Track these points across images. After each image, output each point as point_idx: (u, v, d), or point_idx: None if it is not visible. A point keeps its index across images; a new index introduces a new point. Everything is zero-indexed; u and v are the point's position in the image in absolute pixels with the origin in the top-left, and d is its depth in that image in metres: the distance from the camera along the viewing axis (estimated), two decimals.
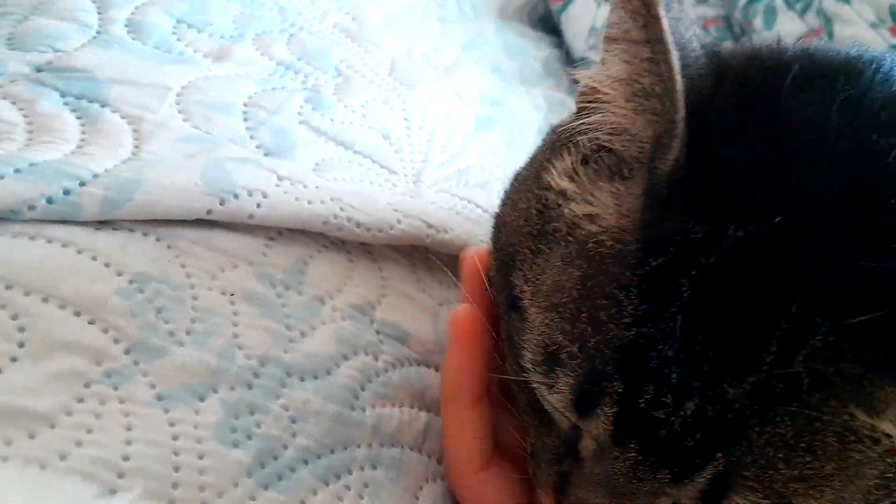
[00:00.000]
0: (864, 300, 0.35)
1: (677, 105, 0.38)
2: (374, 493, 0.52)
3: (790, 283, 0.37)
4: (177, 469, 0.45)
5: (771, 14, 1.05)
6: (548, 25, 1.22)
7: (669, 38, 0.37)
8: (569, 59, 1.14)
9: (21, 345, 0.45)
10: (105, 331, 0.47)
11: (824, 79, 0.41)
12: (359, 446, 0.52)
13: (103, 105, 0.57)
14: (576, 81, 0.46)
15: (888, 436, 0.37)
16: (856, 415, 0.37)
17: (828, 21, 0.99)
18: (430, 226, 0.63)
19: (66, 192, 0.49)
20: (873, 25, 0.96)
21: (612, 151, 0.44)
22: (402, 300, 0.61)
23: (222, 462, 0.46)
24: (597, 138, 0.44)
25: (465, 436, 0.53)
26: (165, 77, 0.62)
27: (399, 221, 0.61)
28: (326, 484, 0.50)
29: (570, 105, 0.57)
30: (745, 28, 1.09)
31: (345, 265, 0.60)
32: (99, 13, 0.66)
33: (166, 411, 0.46)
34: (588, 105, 0.44)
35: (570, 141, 0.46)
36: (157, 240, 0.52)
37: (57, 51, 0.60)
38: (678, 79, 0.37)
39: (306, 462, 0.49)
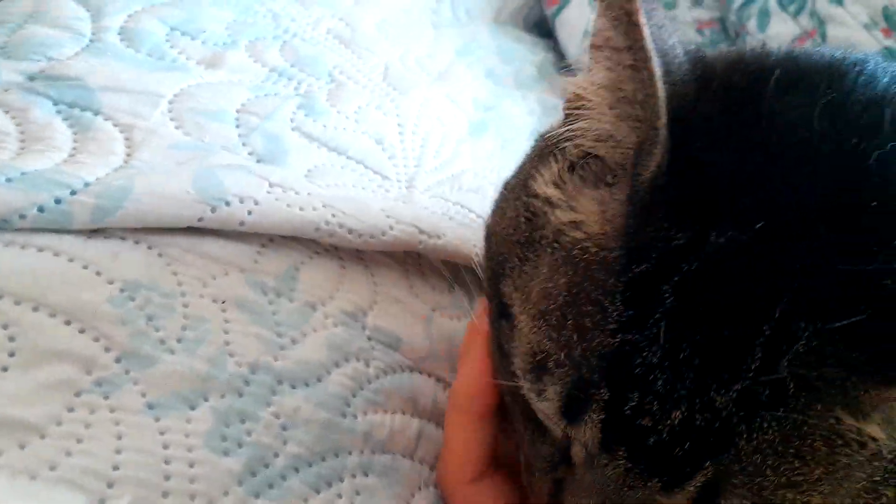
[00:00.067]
0: (846, 304, 0.36)
1: (659, 111, 0.38)
2: (365, 500, 0.52)
3: (773, 287, 0.37)
4: (167, 478, 0.45)
5: (765, 16, 1.05)
6: (543, 30, 1.22)
7: (650, 46, 0.37)
8: (564, 64, 1.14)
9: (12, 354, 0.45)
10: (96, 339, 0.47)
11: (807, 82, 0.41)
12: (350, 454, 0.52)
13: (95, 113, 0.57)
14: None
15: (874, 439, 0.37)
16: (842, 418, 0.37)
17: (821, 23, 0.99)
18: (422, 231, 0.63)
19: (58, 201, 0.50)
20: (866, 27, 0.96)
21: (597, 158, 0.44)
22: (395, 306, 0.61)
23: (213, 470, 0.46)
24: (582, 145, 0.44)
25: (465, 446, 0.53)
26: (158, 84, 0.62)
27: (391, 227, 0.61)
28: (318, 492, 0.50)
29: None
30: (739, 31, 1.09)
31: (336, 271, 0.60)
32: (92, 21, 0.66)
33: (157, 420, 0.47)
34: (574, 112, 0.44)
35: (557, 148, 0.46)
36: (149, 248, 0.52)
37: (50, 59, 0.60)
38: (660, 85, 0.38)
39: (297, 470, 0.49)
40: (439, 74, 0.90)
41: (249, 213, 0.55)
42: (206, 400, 0.48)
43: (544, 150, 0.48)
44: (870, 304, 0.35)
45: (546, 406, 0.42)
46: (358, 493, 0.51)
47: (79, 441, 0.44)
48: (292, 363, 0.53)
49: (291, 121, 0.67)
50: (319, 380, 0.53)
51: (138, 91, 0.61)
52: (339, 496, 0.50)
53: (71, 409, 0.45)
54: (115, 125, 0.57)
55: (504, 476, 0.54)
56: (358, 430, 0.53)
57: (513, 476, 0.54)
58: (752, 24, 1.06)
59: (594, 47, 0.41)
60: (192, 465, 0.46)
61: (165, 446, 0.46)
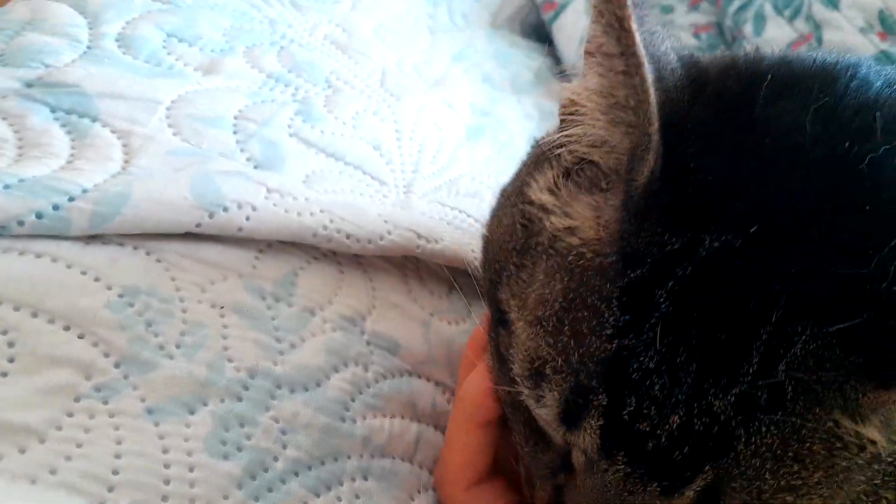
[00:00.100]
0: (843, 307, 0.36)
1: (651, 117, 0.38)
2: (365, 503, 0.52)
3: (768, 291, 0.37)
4: (167, 482, 0.45)
5: (760, 21, 1.05)
6: (540, 34, 1.22)
7: (642, 52, 0.37)
8: (560, 68, 1.14)
9: (11, 359, 0.45)
10: (95, 344, 0.47)
11: (800, 87, 0.41)
12: (349, 457, 0.52)
13: (93, 120, 0.58)
14: None
15: (873, 442, 0.38)
16: (840, 422, 0.37)
17: (817, 27, 0.99)
18: (420, 236, 0.63)
19: (56, 208, 0.50)
20: (862, 31, 0.96)
21: (592, 164, 0.44)
22: (393, 311, 0.62)
23: (212, 474, 0.46)
24: (577, 150, 0.44)
25: (466, 452, 0.53)
26: (155, 91, 0.62)
27: (389, 232, 0.62)
28: (317, 495, 0.50)
29: None
30: (736, 35, 1.10)
31: (335, 276, 0.60)
32: (90, 28, 0.66)
33: (156, 424, 0.47)
34: (568, 117, 0.44)
35: (552, 154, 0.46)
36: (147, 253, 0.53)
37: (47, 66, 0.61)
38: (651, 91, 0.38)
39: (297, 474, 0.50)
40: (436, 80, 0.90)
41: (247, 218, 0.56)
42: (205, 405, 0.49)
43: (540, 156, 0.48)
44: (867, 307, 0.35)
45: (545, 412, 0.42)
46: (357, 497, 0.51)
47: (78, 445, 0.44)
48: (291, 368, 0.53)
49: (289, 127, 0.67)
50: (318, 384, 0.54)
51: (136, 97, 0.61)
52: (339, 499, 0.50)
53: (70, 414, 0.45)
54: (113, 132, 0.58)
55: (503, 482, 0.54)
56: (357, 434, 0.53)
57: (511, 482, 0.54)
58: (748, 29, 1.07)
59: (587, 53, 0.41)
60: (191, 470, 0.46)
61: (165, 450, 0.46)
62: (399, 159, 0.72)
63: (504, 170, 0.55)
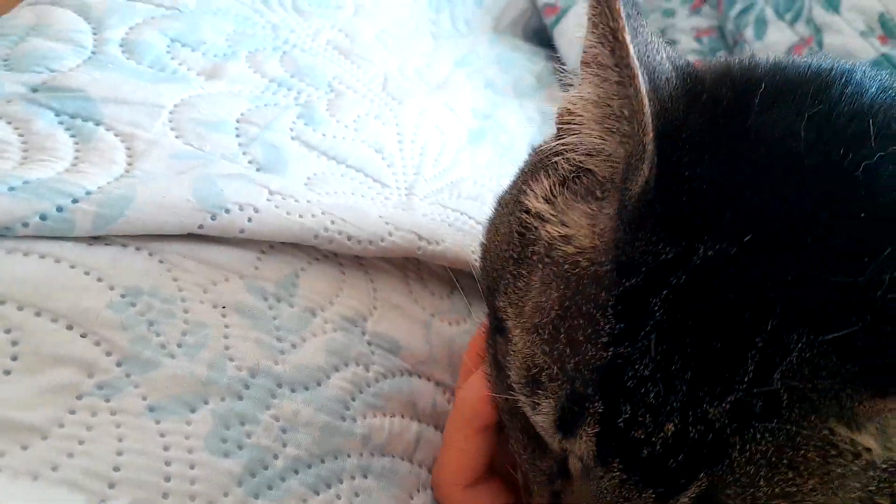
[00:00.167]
0: (838, 315, 0.36)
1: (646, 127, 0.38)
2: (364, 502, 0.52)
3: (763, 299, 0.37)
4: (167, 479, 0.45)
5: (762, 24, 1.06)
6: (542, 39, 1.23)
7: (636, 63, 0.38)
8: (562, 73, 1.14)
9: (14, 358, 0.46)
10: (97, 344, 0.48)
11: (794, 94, 0.41)
12: (349, 456, 0.53)
13: (97, 123, 0.58)
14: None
15: (868, 449, 0.38)
16: (836, 429, 0.37)
17: (817, 30, 1.00)
18: (421, 238, 0.64)
19: (60, 209, 0.50)
20: (863, 34, 0.96)
21: (588, 172, 0.44)
22: (394, 312, 0.62)
23: (213, 472, 0.47)
24: (573, 159, 0.44)
25: (463, 454, 0.53)
26: (159, 95, 0.63)
27: (390, 234, 0.62)
28: (317, 493, 0.50)
29: None
30: (737, 39, 1.10)
31: (336, 277, 0.61)
32: (94, 34, 0.67)
33: (157, 422, 0.47)
34: (564, 126, 0.44)
35: (549, 162, 0.46)
36: (150, 254, 0.53)
37: (52, 71, 0.61)
38: (646, 102, 0.38)
39: (296, 472, 0.50)
40: (438, 84, 0.91)
41: (249, 220, 0.56)
42: (206, 403, 0.49)
43: (536, 164, 0.49)
44: (862, 315, 0.35)
45: (541, 419, 0.43)
46: (357, 495, 0.52)
47: (80, 443, 0.45)
48: (292, 367, 0.53)
49: (291, 130, 0.68)
50: (319, 384, 0.54)
51: (139, 102, 0.62)
52: (338, 497, 0.51)
53: (72, 412, 0.45)
54: (117, 135, 0.58)
55: (499, 482, 0.54)
56: (357, 433, 0.54)
57: (507, 483, 0.54)
58: (749, 32, 1.07)
59: (583, 63, 0.42)
60: (192, 467, 0.46)
61: (166, 448, 0.46)
62: (401, 162, 0.73)
63: (505, 173, 0.55)
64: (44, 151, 0.55)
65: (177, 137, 0.61)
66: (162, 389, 0.48)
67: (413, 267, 0.67)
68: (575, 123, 0.44)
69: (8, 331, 0.46)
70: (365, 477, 0.53)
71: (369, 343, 0.59)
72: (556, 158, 0.46)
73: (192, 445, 0.47)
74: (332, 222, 0.60)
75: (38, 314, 0.47)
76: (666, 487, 0.39)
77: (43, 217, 0.50)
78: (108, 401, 0.47)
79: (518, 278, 0.46)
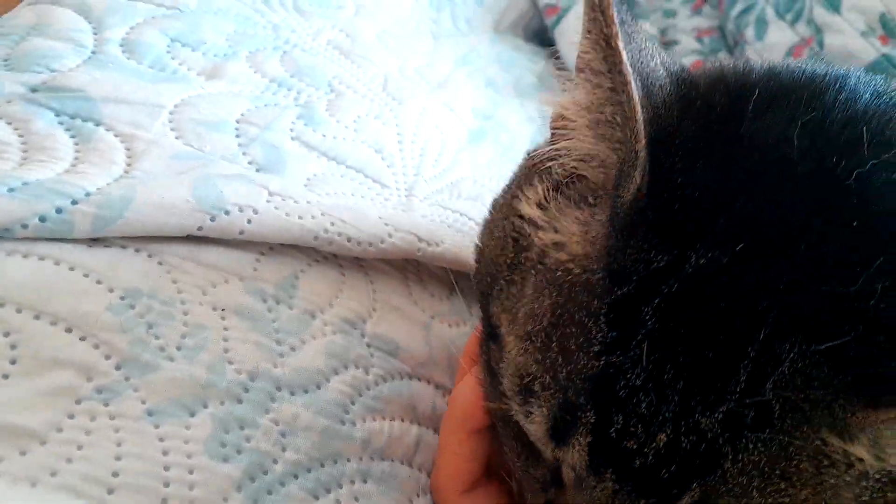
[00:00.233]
0: (831, 325, 0.36)
1: (638, 134, 0.38)
2: None
3: (755, 309, 0.37)
4: (167, 484, 0.45)
5: (762, 25, 1.06)
6: (543, 39, 1.22)
7: (629, 70, 0.38)
8: (563, 71, 1.14)
9: (13, 361, 0.46)
10: (96, 346, 0.48)
11: (788, 100, 0.41)
12: (349, 460, 0.53)
13: (97, 124, 0.58)
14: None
15: (861, 459, 0.38)
16: (828, 440, 0.37)
17: (818, 31, 0.99)
18: (421, 239, 0.64)
19: (59, 211, 0.50)
20: (864, 34, 0.96)
21: (581, 178, 0.44)
22: (394, 313, 0.62)
23: (212, 476, 0.47)
24: (566, 164, 0.44)
25: (459, 458, 0.53)
26: (159, 95, 0.63)
27: (390, 235, 0.62)
28: (316, 498, 0.50)
29: None
30: (738, 39, 1.10)
31: (336, 279, 0.60)
32: (94, 33, 0.67)
33: (157, 426, 0.47)
34: (558, 131, 0.44)
35: (543, 167, 0.46)
36: (149, 256, 0.53)
37: (52, 71, 0.61)
38: (638, 109, 0.38)
39: (296, 476, 0.50)
40: (438, 84, 0.90)
41: (249, 221, 0.56)
42: (205, 407, 0.49)
43: (531, 169, 0.48)
44: (854, 325, 0.35)
45: (534, 428, 0.42)
46: (356, 500, 0.52)
47: (79, 447, 0.44)
48: (291, 370, 0.53)
49: (291, 130, 0.68)
50: (318, 387, 0.54)
51: (139, 102, 0.61)
52: (338, 502, 0.51)
53: (71, 416, 0.45)
54: (117, 136, 0.58)
55: (497, 486, 0.54)
56: (357, 436, 0.54)
57: (505, 485, 0.54)
58: (749, 33, 1.07)
59: (577, 68, 0.41)
60: (191, 472, 0.46)
61: (165, 452, 0.46)
62: (400, 162, 0.73)
63: (506, 173, 0.55)
64: (43, 152, 0.55)
65: (177, 138, 0.61)
66: (161, 393, 0.48)
67: (413, 268, 0.66)
68: (568, 128, 0.43)
69: (7, 334, 0.46)
70: (364, 481, 0.53)
71: (369, 345, 0.59)
72: (550, 163, 0.45)
73: (192, 450, 0.47)
74: (332, 224, 0.59)
75: (37, 317, 0.47)
76: (659, 498, 0.39)
77: (42, 219, 0.50)
78: (107, 405, 0.46)
79: (511, 284, 0.45)
